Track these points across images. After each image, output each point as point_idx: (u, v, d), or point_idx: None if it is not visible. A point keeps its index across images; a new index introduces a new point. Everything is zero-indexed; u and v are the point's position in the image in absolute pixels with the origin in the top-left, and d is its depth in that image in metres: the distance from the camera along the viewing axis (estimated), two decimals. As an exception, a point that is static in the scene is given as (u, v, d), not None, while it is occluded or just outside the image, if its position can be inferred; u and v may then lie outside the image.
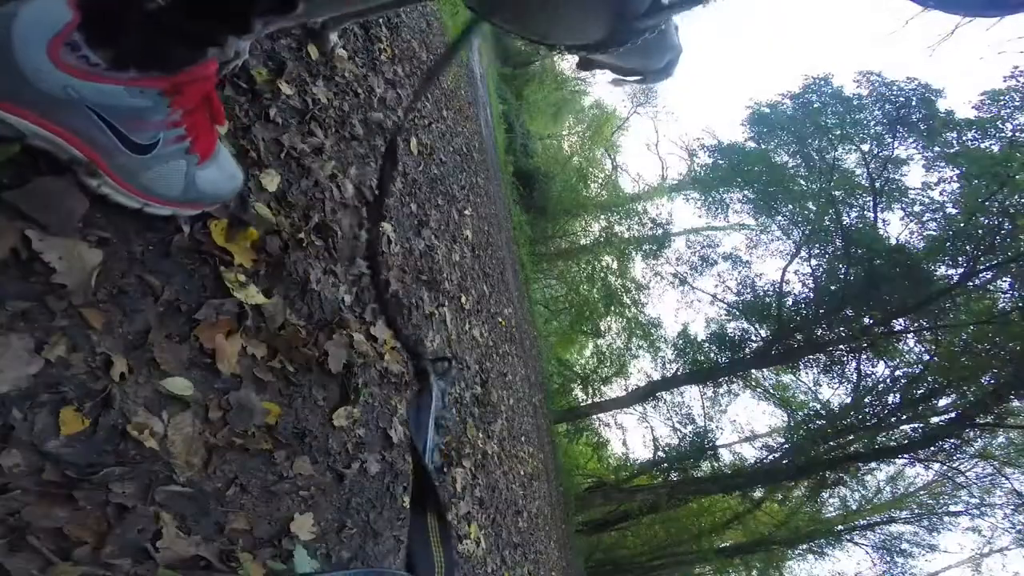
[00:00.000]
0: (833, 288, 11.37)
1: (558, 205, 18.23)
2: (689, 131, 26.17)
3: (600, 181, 20.42)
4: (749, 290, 13.38)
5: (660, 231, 16.93)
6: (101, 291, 0.60)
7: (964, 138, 9.94)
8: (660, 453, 15.02)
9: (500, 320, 3.66)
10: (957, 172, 9.79)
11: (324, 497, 0.88)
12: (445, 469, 1.58)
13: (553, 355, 17.18)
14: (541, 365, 11.68)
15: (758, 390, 13.57)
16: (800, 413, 12.54)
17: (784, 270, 12.57)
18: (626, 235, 18.77)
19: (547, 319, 18.33)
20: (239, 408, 0.74)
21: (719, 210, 14.62)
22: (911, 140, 10.64)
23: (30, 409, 0.51)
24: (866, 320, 10.85)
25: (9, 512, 0.47)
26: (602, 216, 19.56)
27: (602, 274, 18.45)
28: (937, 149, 10.25)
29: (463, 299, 2.28)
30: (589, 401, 17.05)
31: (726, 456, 14.44)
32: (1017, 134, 9.20)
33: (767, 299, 12.89)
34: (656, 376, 15.55)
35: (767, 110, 12.78)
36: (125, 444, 0.58)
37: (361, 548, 0.95)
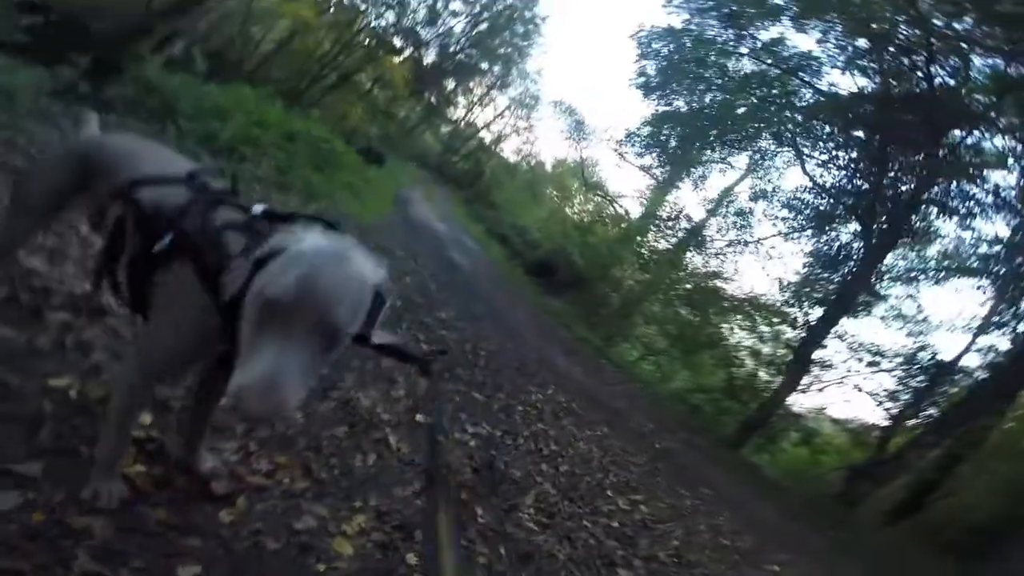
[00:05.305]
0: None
1: (589, 270, 18.58)
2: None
3: (607, 220, 20.95)
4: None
5: (688, 222, 16.93)
6: None
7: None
8: (893, 403, 12.97)
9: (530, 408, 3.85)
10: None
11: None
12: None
13: (695, 386, 16.29)
14: (668, 405, 11.37)
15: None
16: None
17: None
18: (666, 245, 18.73)
19: (658, 364, 17.72)
20: None
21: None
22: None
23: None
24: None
25: None
26: (634, 247, 19.57)
27: (675, 291, 18.06)
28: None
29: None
30: (755, 405, 15.50)
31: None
32: None
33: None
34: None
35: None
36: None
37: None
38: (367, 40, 15.10)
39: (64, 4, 4.86)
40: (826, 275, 13.25)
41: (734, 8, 11.69)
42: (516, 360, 5.21)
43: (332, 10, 12.89)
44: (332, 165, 8.17)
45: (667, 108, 14.96)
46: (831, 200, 12.76)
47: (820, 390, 14.18)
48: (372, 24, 16.20)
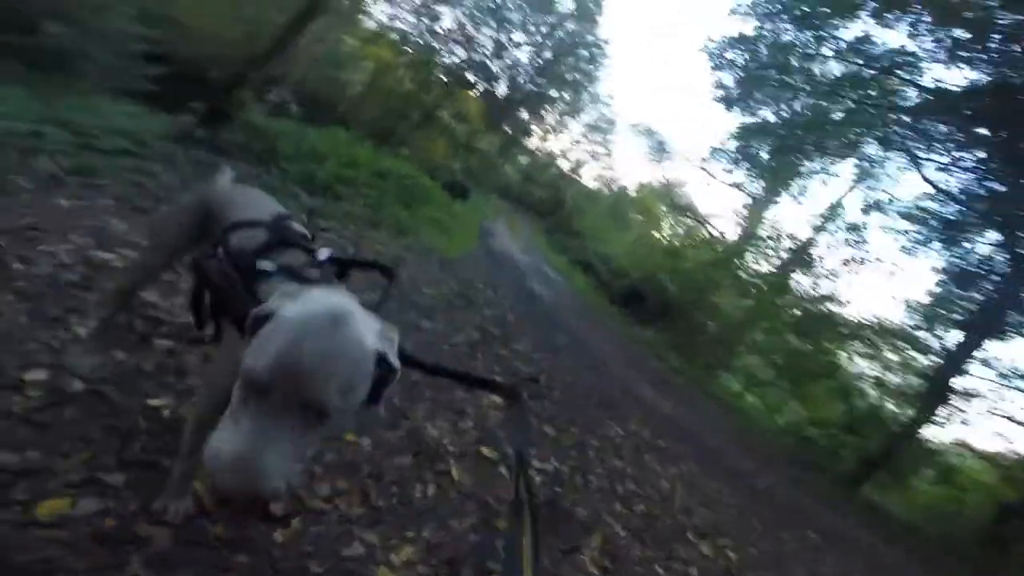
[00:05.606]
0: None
1: (682, 297, 17.79)
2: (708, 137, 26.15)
3: (699, 244, 20.05)
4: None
5: (792, 241, 15.79)
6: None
7: None
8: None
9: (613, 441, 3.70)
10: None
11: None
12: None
13: (806, 419, 14.89)
14: (772, 440, 10.75)
15: None
16: None
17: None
18: (768, 267, 17.55)
19: (763, 396, 16.43)
20: None
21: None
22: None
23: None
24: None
25: None
26: (731, 271, 18.50)
27: (782, 317, 16.77)
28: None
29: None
30: (879, 439, 13.89)
31: None
32: None
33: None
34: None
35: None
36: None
37: None
38: (443, 76, 16.12)
39: (184, 55, 5.63)
40: (964, 292, 11.66)
41: (805, 8, 11.06)
42: (595, 392, 5.08)
43: (408, 49, 13.96)
44: (419, 201, 8.71)
45: (753, 120, 14.28)
46: (960, 207, 11.29)
47: (963, 422, 12.31)
48: (445, 60, 17.33)
